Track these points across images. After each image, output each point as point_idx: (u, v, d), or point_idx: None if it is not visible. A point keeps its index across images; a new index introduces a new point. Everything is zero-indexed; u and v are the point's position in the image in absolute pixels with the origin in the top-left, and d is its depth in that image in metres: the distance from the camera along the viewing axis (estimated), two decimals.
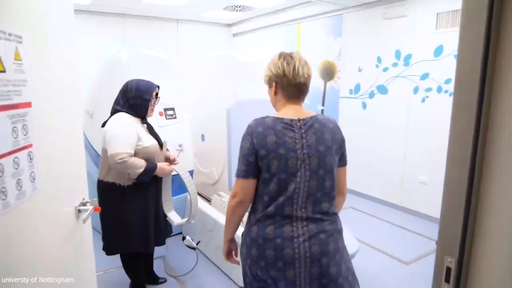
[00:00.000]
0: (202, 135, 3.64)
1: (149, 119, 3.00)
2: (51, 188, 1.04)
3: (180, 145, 3.08)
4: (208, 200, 3.51)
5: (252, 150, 1.31)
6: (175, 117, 3.15)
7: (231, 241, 1.52)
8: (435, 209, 3.82)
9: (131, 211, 2.08)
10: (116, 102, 2.09)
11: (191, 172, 3.30)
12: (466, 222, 0.72)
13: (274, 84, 1.41)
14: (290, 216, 1.30)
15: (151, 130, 2.15)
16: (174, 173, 2.19)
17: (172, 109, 3.15)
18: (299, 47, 5.41)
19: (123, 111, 2.04)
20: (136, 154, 1.99)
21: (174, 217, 2.28)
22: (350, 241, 2.39)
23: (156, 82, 3.16)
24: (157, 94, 2.15)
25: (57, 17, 1.11)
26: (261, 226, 1.33)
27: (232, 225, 1.45)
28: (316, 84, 5.16)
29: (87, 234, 1.32)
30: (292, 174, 1.29)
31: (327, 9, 4.73)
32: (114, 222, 2.10)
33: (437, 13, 3.58)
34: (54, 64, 1.08)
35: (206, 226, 2.98)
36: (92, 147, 3.44)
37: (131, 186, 2.06)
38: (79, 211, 1.23)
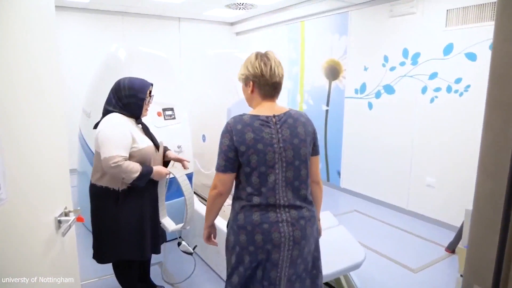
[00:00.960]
0: (203, 136, 3.54)
1: (146, 120, 2.92)
2: (24, 198, 0.93)
3: (179, 147, 2.97)
4: None
5: (232, 147, 1.41)
6: (174, 118, 3.04)
7: (211, 226, 1.67)
8: (442, 213, 3.69)
9: (126, 217, 1.97)
10: (108, 102, 1.96)
11: (190, 175, 3.19)
12: (503, 245, 0.60)
13: (251, 83, 1.49)
14: (274, 204, 1.44)
15: (146, 131, 2.04)
16: (170, 176, 2.09)
17: (171, 109, 3.04)
18: (303, 45, 5.28)
19: (115, 112, 1.92)
20: (131, 157, 1.88)
21: (168, 223, 2.16)
22: (356, 249, 2.26)
23: (154, 81, 3.05)
24: (150, 92, 2.02)
25: (27, 8, 1.00)
26: (247, 213, 1.44)
27: (212, 213, 1.59)
28: (320, 83, 5.04)
29: (69, 248, 1.20)
30: (270, 166, 1.42)
31: (332, 7, 4.61)
32: (107, 228, 1.99)
33: (447, 10, 3.44)
34: (25, 60, 0.97)
35: None
36: (89, 148, 3.35)
37: (126, 191, 1.94)
38: (60, 222, 1.11)
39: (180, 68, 5.92)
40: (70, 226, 1.11)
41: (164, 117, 2.99)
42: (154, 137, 2.07)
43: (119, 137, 1.83)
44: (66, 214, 1.16)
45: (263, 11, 5.61)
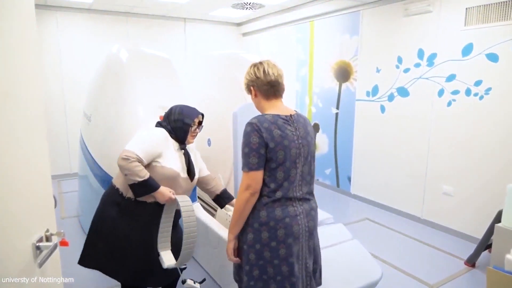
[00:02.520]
0: (208, 140, 3.39)
1: (147, 124, 2.76)
2: None
3: None
4: (214, 209, 3.24)
5: (262, 144, 1.48)
6: None
7: (236, 238, 1.63)
8: (460, 223, 3.49)
9: (123, 230, 1.82)
10: (160, 122, 2.02)
11: None
12: None
13: (251, 88, 1.63)
14: (292, 198, 1.55)
15: (186, 158, 1.98)
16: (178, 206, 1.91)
17: None
18: (312, 46, 5.11)
19: (164, 129, 1.96)
20: (151, 171, 1.81)
21: (166, 258, 1.89)
22: (372, 266, 2.08)
23: (156, 83, 2.93)
24: (200, 122, 2.04)
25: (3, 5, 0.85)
26: (270, 210, 1.52)
27: (243, 219, 1.56)
28: (330, 85, 4.86)
29: (51, 284, 1.03)
30: (293, 162, 1.53)
31: (343, 6, 4.43)
32: (98, 231, 1.88)
33: (466, 8, 3.24)
34: None
35: (210, 243, 2.71)
36: (89, 153, 3.21)
37: (131, 201, 1.83)
38: (38, 248, 0.96)
39: (186, 70, 5.79)
40: (49, 254, 0.95)
41: None
42: (193, 168, 2.00)
43: (148, 143, 1.83)
44: (48, 239, 1.01)
45: (271, 11, 5.46)
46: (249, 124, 1.51)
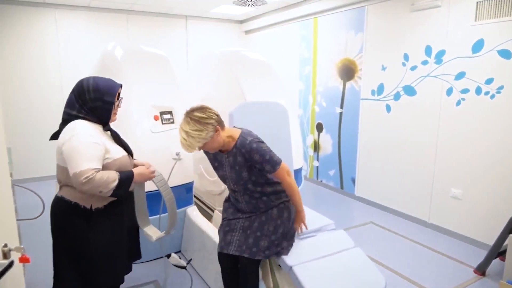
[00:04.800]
0: None
1: (143, 124, 2.67)
2: None
3: (177, 154, 2.70)
4: (211, 210, 3.13)
5: None
6: (173, 122, 2.78)
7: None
8: (469, 229, 3.33)
9: (98, 241, 1.63)
10: (70, 105, 1.64)
11: (190, 185, 2.94)
12: None
13: (218, 127, 1.77)
14: None
15: (116, 138, 1.74)
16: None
17: (170, 112, 2.78)
18: (315, 44, 4.97)
19: (80, 117, 1.62)
20: (106, 170, 1.58)
21: (152, 232, 1.90)
22: (375, 277, 1.94)
23: (152, 81, 2.82)
24: (119, 94, 1.74)
25: None
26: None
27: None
28: (334, 84, 4.72)
29: None
30: None
31: (347, 2, 4.29)
32: (73, 253, 1.63)
33: (477, 2, 3.08)
34: None
35: (205, 248, 2.60)
36: None
37: (100, 210, 1.63)
38: None
39: (187, 69, 5.69)
40: (3, 272, 0.84)
41: (162, 121, 2.73)
42: (127, 144, 1.78)
43: (90, 147, 1.54)
44: (5, 255, 0.90)
45: (273, 8, 5.33)
46: (254, 140, 1.83)
